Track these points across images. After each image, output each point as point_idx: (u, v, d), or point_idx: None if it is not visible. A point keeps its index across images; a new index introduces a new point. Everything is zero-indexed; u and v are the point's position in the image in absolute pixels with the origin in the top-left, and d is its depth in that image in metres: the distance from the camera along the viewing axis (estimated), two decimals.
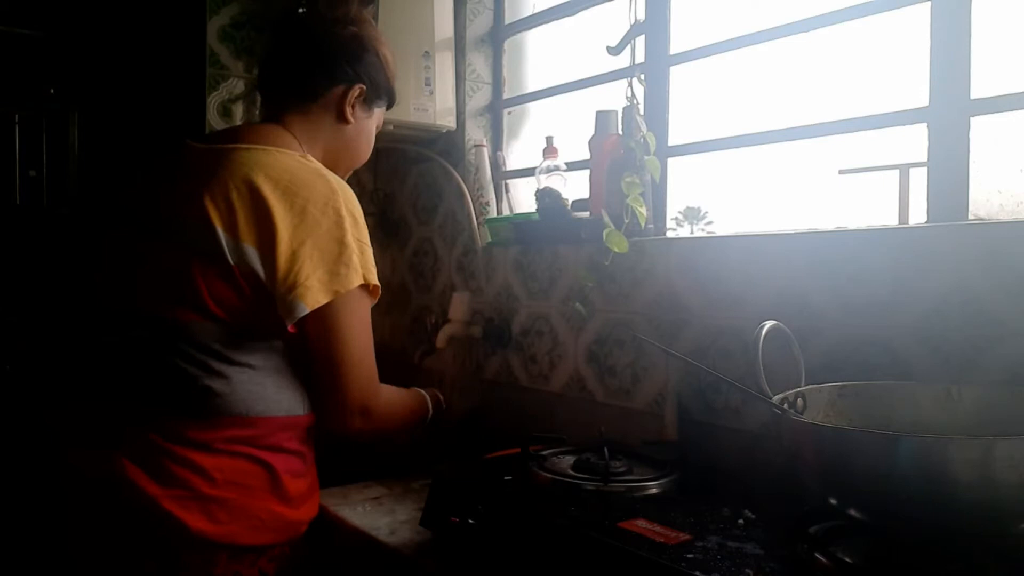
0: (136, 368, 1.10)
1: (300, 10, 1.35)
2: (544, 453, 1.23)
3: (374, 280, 1.12)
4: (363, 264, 1.10)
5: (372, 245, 1.16)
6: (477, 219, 1.86)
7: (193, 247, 1.06)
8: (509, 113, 1.97)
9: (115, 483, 1.04)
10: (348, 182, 1.17)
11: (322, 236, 1.06)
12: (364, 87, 1.23)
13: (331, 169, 1.18)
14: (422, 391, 1.34)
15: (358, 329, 1.11)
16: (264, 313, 1.06)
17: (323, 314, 1.07)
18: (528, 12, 1.92)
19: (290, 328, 1.06)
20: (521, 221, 1.71)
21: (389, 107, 1.34)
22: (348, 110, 1.23)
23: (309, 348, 1.11)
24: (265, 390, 1.10)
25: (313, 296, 1.05)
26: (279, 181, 1.07)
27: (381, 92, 1.27)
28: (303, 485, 1.15)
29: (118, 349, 1.12)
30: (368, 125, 1.29)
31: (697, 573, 0.81)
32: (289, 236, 1.05)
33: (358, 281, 1.08)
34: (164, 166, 1.18)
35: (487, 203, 1.87)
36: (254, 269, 1.05)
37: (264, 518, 1.09)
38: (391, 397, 1.22)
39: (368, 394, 1.13)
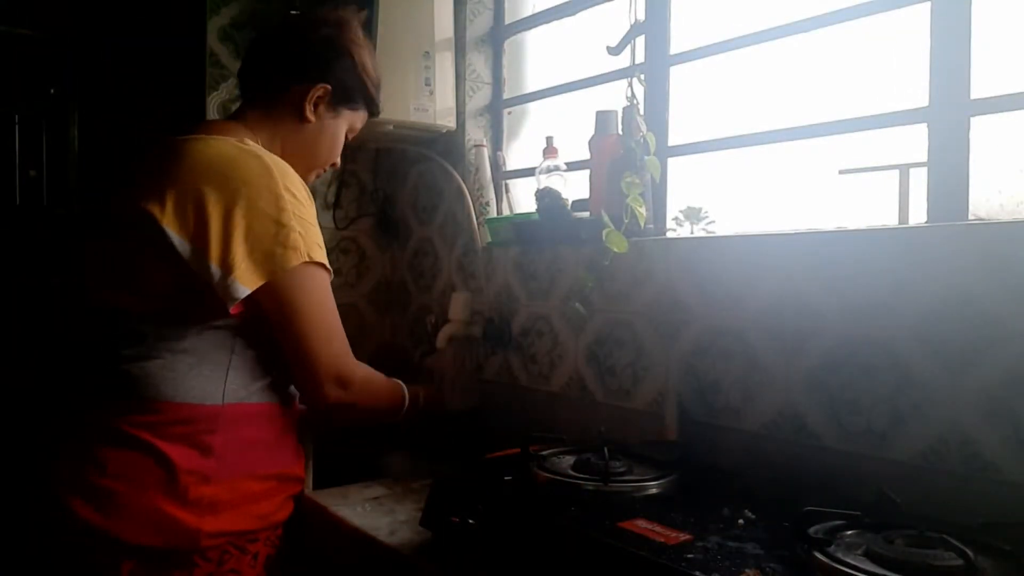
0: (80, 361, 1.14)
1: (292, 12, 1.39)
2: (544, 453, 1.23)
3: (318, 258, 1.11)
4: (305, 242, 1.09)
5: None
6: (477, 219, 1.86)
7: (134, 238, 1.08)
8: (509, 113, 1.97)
9: (39, 480, 1.09)
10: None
11: (257, 217, 1.06)
12: (328, 88, 1.24)
13: (291, 166, 1.17)
14: (400, 382, 1.32)
15: (315, 304, 1.10)
16: (199, 298, 1.06)
17: (271, 294, 1.07)
18: (528, 12, 1.92)
19: (232, 310, 1.06)
20: (521, 221, 1.71)
21: (372, 114, 1.35)
22: (308, 108, 1.23)
23: (273, 331, 1.11)
24: (177, 375, 1.08)
25: (249, 278, 1.04)
26: (212, 166, 1.08)
27: (352, 95, 1.28)
28: (211, 492, 1.07)
29: (72, 345, 1.16)
30: (333, 127, 1.28)
31: (697, 573, 0.81)
32: (221, 220, 1.05)
33: (298, 260, 1.07)
34: (135, 163, 1.20)
35: (487, 203, 1.87)
36: (186, 255, 1.04)
37: (152, 517, 1.04)
38: (371, 375, 1.22)
39: (340, 364, 1.13)
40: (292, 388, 1.22)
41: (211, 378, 1.10)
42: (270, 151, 1.18)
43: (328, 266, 1.14)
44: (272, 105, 1.24)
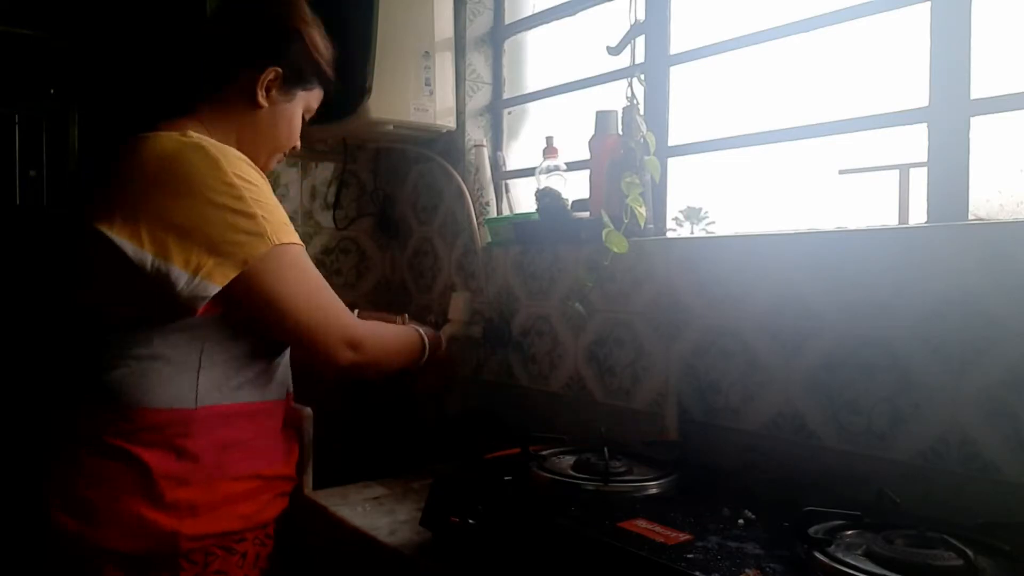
0: (60, 369, 1.13)
1: None
2: (544, 453, 1.23)
3: (287, 239, 1.08)
4: (272, 226, 1.06)
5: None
6: (477, 219, 1.86)
7: (92, 251, 1.05)
8: (509, 113, 1.97)
9: (27, 491, 1.08)
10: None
11: (214, 211, 1.03)
12: (279, 70, 1.19)
13: (251, 155, 1.15)
14: (417, 328, 1.37)
15: (297, 282, 1.09)
16: (162, 303, 1.03)
17: (246, 286, 1.04)
18: (528, 12, 1.92)
19: (200, 311, 1.04)
20: (521, 221, 1.71)
21: (327, 90, 1.30)
22: (260, 94, 1.19)
23: (259, 321, 1.09)
24: (148, 381, 1.06)
25: (220, 273, 1.02)
26: (156, 167, 1.05)
27: (304, 75, 1.24)
28: (189, 495, 1.06)
29: (54, 352, 1.15)
30: (289, 110, 1.24)
31: (697, 573, 0.81)
32: (177, 221, 1.02)
33: (267, 246, 1.04)
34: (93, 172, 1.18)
35: (487, 203, 1.87)
36: (146, 265, 1.01)
37: (132, 523, 1.03)
38: (378, 329, 1.25)
39: (344, 328, 1.15)
40: (277, 384, 1.20)
41: (182, 381, 1.08)
42: (226, 142, 1.14)
43: (298, 240, 1.11)
44: (223, 94, 1.20)
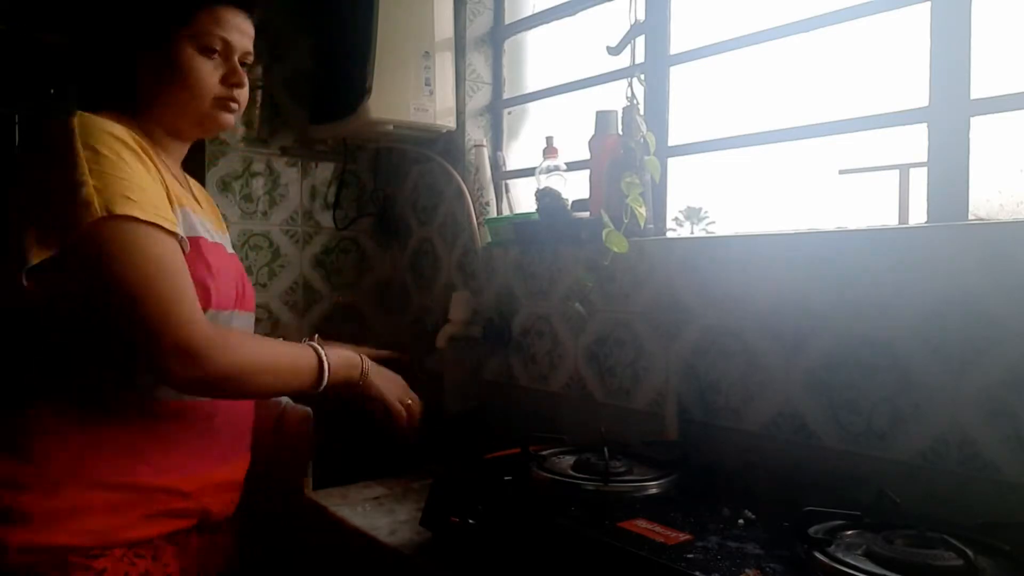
0: None
1: None
2: (544, 453, 1.23)
3: (124, 210, 0.92)
4: (103, 196, 0.92)
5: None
6: (477, 219, 1.86)
7: None
8: (509, 113, 1.97)
9: None
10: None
11: (48, 182, 0.95)
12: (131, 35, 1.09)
13: (174, 123, 1.10)
14: (318, 348, 1.10)
15: (130, 265, 0.93)
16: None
17: (73, 263, 0.94)
18: (528, 12, 1.92)
19: (28, 285, 0.93)
20: (521, 221, 1.71)
21: (213, 10, 1.10)
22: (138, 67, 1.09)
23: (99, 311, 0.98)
24: None
25: (36, 247, 0.92)
26: (37, 151, 1.02)
27: (166, 20, 1.07)
28: (25, 501, 0.94)
29: None
30: (169, 60, 1.08)
31: (697, 573, 0.81)
32: (31, 195, 0.96)
33: (91, 216, 0.91)
34: None
35: (487, 203, 1.88)
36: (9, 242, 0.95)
37: None
38: (240, 340, 1.02)
39: (182, 331, 0.93)
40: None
41: (24, 373, 0.98)
42: (149, 121, 1.09)
43: (150, 218, 0.95)
44: (123, 80, 1.10)
